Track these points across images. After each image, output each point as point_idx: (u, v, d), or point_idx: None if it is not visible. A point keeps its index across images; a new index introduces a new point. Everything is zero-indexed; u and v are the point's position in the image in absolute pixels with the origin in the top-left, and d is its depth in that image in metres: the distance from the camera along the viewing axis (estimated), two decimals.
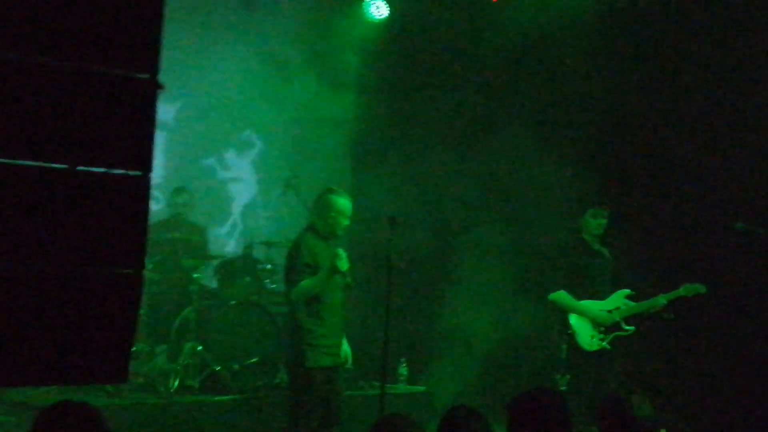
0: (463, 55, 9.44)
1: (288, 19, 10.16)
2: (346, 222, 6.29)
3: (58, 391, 6.50)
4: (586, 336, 6.90)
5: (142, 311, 7.68)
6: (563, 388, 6.84)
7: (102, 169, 2.36)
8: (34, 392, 6.65)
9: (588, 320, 6.93)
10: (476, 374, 8.47)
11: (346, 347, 6.45)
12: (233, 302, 7.98)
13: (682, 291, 6.88)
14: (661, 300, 6.90)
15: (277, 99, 10.33)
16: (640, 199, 8.25)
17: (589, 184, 8.14)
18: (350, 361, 6.52)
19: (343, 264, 6.10)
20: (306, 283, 6.10)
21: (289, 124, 10.46)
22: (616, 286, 7.09)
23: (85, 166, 2.33)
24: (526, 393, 3.84)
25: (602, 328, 6.91)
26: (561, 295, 6.97)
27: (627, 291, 7.04)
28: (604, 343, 6.89)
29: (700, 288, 6.86)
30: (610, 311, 6.95)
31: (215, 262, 8.61)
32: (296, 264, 6.17)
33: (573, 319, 6.95)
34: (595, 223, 7.07)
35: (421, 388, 8.65)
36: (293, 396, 6.25)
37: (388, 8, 9.41)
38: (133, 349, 7.29)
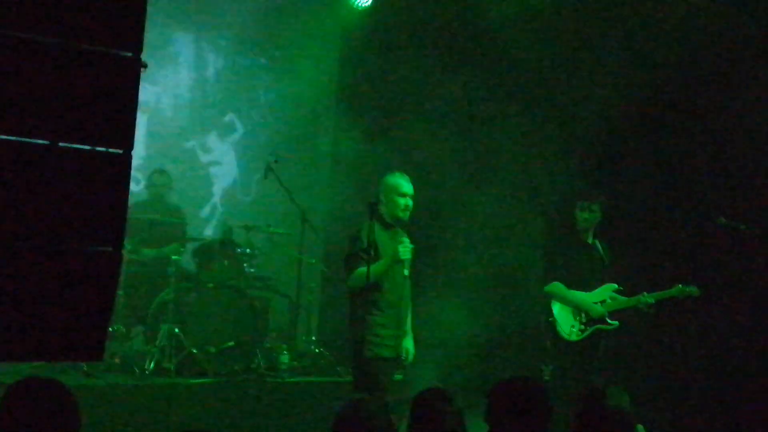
0: (447, 44, 9.45)
1: (272, 4, 10.14)
2: (402, 200, 6.07)
3: (32, 369, 6.50)
4: (566, 325, 6.91)
5: (119, 292, 7.67)
6: (547, 378, 6.85)
7: (83, 146, 2.35)
8: (7, 370, 6.63)
9: (570, 310, 6.95)
10: (455, 364, 8.50)
11: (408, 343, 6.27)
12: (211, 285, 7.97)
13: (674, 292, 6.85)
14: (649, 299, 6.88)
15: (260, 83, 10.32)
16: (633, 195, 8.29)
17: (580, 178, 8.19)
18: (410, 358, 6.30)
19: (405, 253, 5.95)
20: (362, 270, 5.89)
21: (271, 109, 10.45)
22: (605, 280, 7.10)
23: (66, 142, 2.33)
24: (506, 381, 3.87)
25: (584, 319, 6.93)
26: (556, 287, 6.99)
27: (614, 286, 7.06)
28: (583, 335, 6.90)
29: (693, 291, 6.83)
30: (595, 304, 6.98)
31: (194, 245, 8.60)
32: (354, 249, 6.00)
33: (556, 308, 6.97)
34: (582, 216, 7.07)
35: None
36: (357, 389, 6.03)
37: None
38: (110, 329, 7.30)
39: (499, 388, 3.83)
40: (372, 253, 5.93)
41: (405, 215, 6.10)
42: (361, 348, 5.96)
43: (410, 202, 6.11)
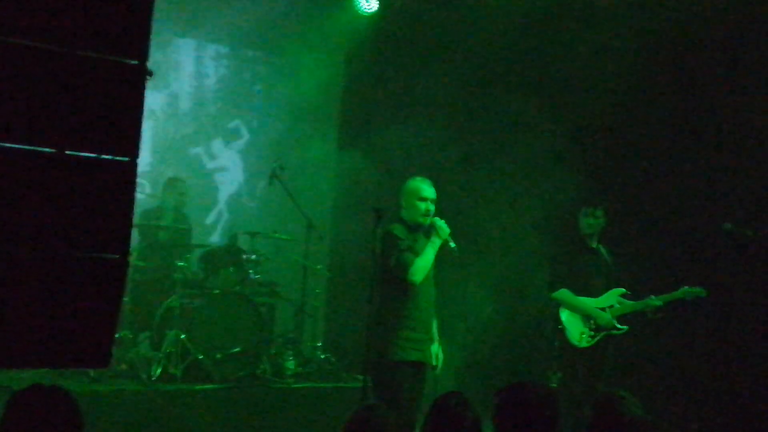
0: (453, 51, 9.46)
1: (277, 9, 10.16)
2: (423, 205, 5.97)
3: (40, 375, 6.52)
4: (576, 332, 6.89)
5: (126, 298, 7.70)
6: (554, 385, 6.82)
7: (89, 154, 2.37)
8: (16, 375, 6.66)
9: (579, 316, 6.94)
10: (462, 370, 8.49)
11: (437, 349, 6.18)
12: (217, 291, 7.99)
13: (680, 294, 6.85)
14: (656, 302, 6.87)
15: (265, 89, 10.34)
16: (637, 200, 8.28)
17: (584, 185, 8.18)
18: (440, 364, 6.20)
19: (446, 229, 5.89)
20: (419, 260, 5.84)
21: (276, 115, 10.48)
22: (611, 285, 7.09)
23: (72, 150, 2.34)
24: (516, 384, 3.86)
25: (593, 325, 6.92)
26: (564, 293, 6.98)
27: (622, 290, 7.04)
28: (593, 341, 6.89)
29: (700, 291, 6.82)
30: (603, 309, 6.96)
31: (200, 251, 8.62)
32: (398, 245, 5.86)
33: (564, 315, 6.95)
34: (585, 222, 7.07)
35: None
36: (378, 393, 5.86)
37: (378, 2, 9.41)
38: (117, 335, 7.32)
39: (508, 390, 3.82)
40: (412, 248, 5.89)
41: (426, 221, 6.00)
42: (386, 351, 5.85)
43: (431, 207, 6.01)
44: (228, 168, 10.60)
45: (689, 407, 7.68)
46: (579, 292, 6.97)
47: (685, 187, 8.03)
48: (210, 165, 10.48)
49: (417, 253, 5.90)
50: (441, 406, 3.78)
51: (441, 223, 5.93)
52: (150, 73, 2.50)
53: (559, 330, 6.94)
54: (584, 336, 6.88)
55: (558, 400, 3.87)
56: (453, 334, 8.36)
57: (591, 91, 8.55)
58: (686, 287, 6.86)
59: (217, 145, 10.50)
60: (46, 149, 2.32)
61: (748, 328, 7.54)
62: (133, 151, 2.43)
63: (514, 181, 8.87)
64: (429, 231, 6.02)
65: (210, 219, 10.43)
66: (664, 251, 8.05)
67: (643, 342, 7.71)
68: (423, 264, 5.86)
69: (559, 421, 3.77)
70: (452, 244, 5.94)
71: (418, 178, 6.11)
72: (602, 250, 7.19)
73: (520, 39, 8.86)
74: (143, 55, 2.47)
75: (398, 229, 5.97)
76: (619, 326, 6.93)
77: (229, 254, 8.46)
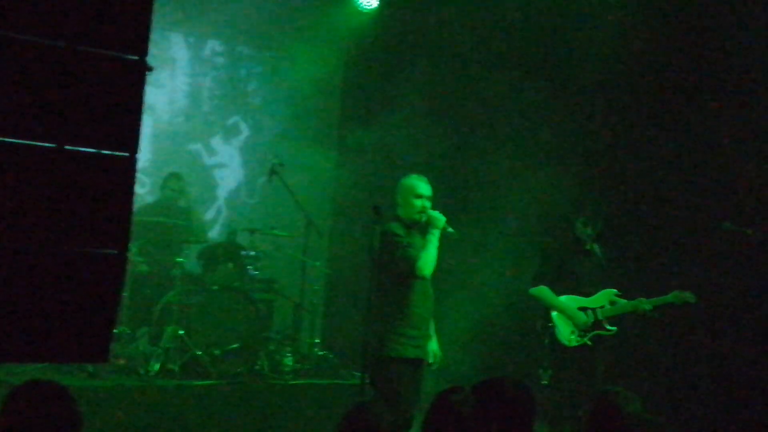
0: (452, 48, 9.46)
1: (275, 5, 10.16)
2: (419, 202, 5.96)
3: (38, 370, 6.53)
4: (566, 331, 6.88)
5: (124, 294, 7.69)
6: (545, 382, 6.82)
7: (89, 149, 2.37)
8: (16, 370, 6.65)
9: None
10: (457, 367, 8.49)
11: (435, 346, 6.20)
12: (215, 288, 7.99)
13: (670, 298, 6.80)
14: (646, 305, 6.85)
15: (265, 86, 10.33)
16: (632, 202, 8.28)
17: (579, 189, 8.18)
18: (438, 362, 6.22)
19: (441, 218, 5.89)
20: (425, 253, 5.83)
21: (276, 112, 10.47)
22: (605, 285, 7.08)
23: (72, 145, 2.34)
24: (492, 379, 3.88)
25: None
26: (542, 290, 6.95)
27: (614, 291, 7.02)
28: (583, 340, 6.88)
29: (690, 297, 6.77)
30: (593, 309, 6.94)
31: (199, 247, 8.62)
32: (400, 242, 5.86)
33: (554, 313, 6.95)
34: (585, 232, 7.04)
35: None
36: (375, 389, 5.84)
37: None
38: (115, 331, 7.33)
39: (484, 385, 3.83)
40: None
41: (422, 218, 5.99)
42: (383, 347, 5.84)
43: (428, 204, 6.00)
44: (227, 164, 10.60)
45: (684, 406, 7.69)
46: (571, 292, 6.95)
47: (682, 187, 8.02)
48: (209, 161, 10.48)
49: (416, 250, 5.90)
50: (443, 401, 3.78)
51: (435, 214, 5.93)
52: (150, 69, 2.51)
53: (549, 327, 6.93)
54: (573, 336, 6.87)
55: (533, 395, 3.86)
56: (452, 330, 8.40)
57: (590, 88, 8.55)
58: (677, 292, 6.84)
59: (216, 141, 10.50)
60: (46, 144, 2.32)
61: (746, 326, 7.55)
62: (133, 146, 2.44)
63: (512, 179, 8.86)
64: (425, 228, 6.00)
65: (209, 215, 10.43)
66: (660, 251, 8.05)
67: (637, 341, 7.71)
68: (430, 257, 5.86)
69: (535, 416, 3.78)
70: (450, 230, 5.94)
71: (414, 176, 6.10)
72: (596, 249, 7.18)
73: (520, 34, 8.86)
74: (143, 51, 2.47)
75: (396, 227, 5.96)
76: (608, 327, 6.91)
77: (227, 250, 8.46)
